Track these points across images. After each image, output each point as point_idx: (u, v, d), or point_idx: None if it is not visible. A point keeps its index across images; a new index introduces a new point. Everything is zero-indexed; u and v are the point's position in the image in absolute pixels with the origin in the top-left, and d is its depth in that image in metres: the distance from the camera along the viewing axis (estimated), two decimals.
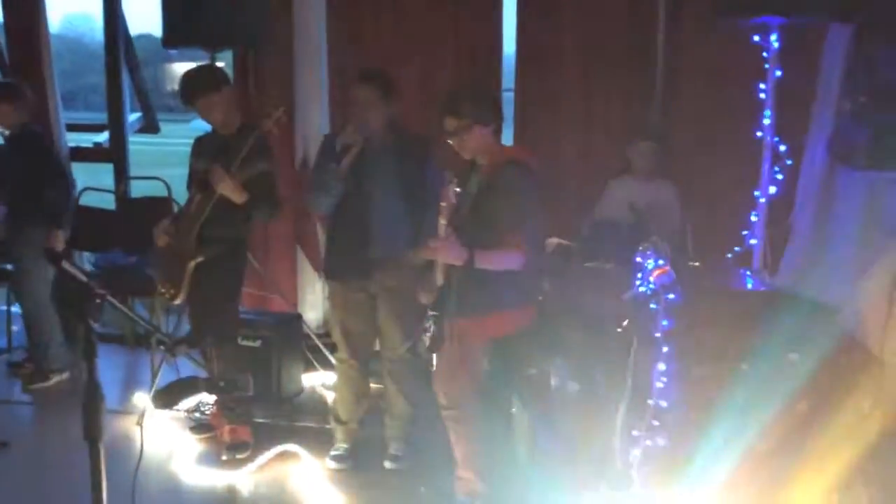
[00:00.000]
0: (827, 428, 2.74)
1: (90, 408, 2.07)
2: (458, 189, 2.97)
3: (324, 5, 4.99)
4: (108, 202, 5.74)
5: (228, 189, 3.60)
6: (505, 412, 3.38)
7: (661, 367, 2.87)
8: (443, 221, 2.93)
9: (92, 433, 2.09)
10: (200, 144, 3.93)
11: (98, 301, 2.05)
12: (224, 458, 3.87)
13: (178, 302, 3.81)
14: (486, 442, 3.26)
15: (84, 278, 2.09)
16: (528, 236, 3.05)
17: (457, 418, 3.23)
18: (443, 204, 2.92)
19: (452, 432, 3.27)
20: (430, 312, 3.15)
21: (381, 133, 3.58)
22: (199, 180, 3.77)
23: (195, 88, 3.71)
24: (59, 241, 4.57)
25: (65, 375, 4.77)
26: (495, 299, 3.06)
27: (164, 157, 9.87)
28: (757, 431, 2.79)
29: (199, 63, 4.26)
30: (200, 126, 4.01)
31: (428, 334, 3.20)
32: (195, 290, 3.76)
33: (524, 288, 3.14)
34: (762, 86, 3.86)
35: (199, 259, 3.69)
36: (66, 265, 2.10)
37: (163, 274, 3.85)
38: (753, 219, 3.94)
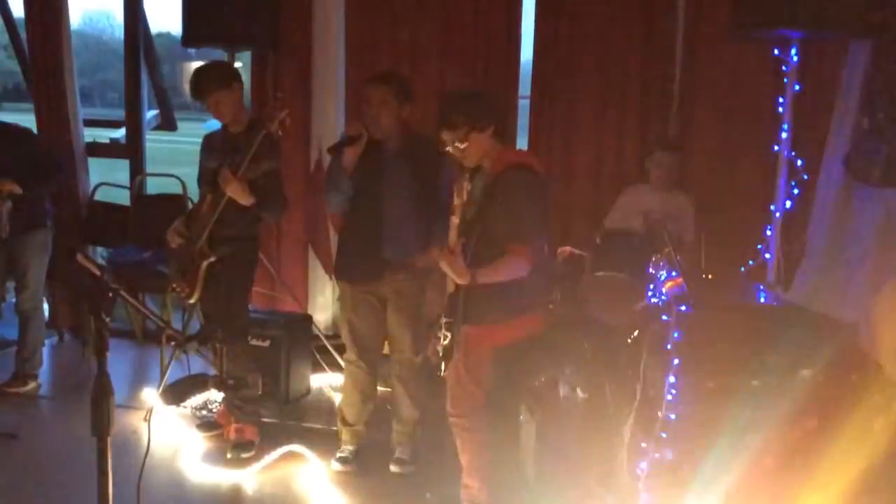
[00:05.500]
0: (836, 446, 2.72)
1: (99, 403, 2.07)
2: (468, 185, 2.94)
3: (343, 8, 5.01)
4: (123, 198, 5.77)
5: (236, 192, 3.62)
6: (512, 421, 3.37)
7: (671, 379, 2.85)
8: (455, 220, 2.92)
9: (100, 428, 2.09)
10: (210, 141, 3.95)
11: (111, 295, 2.06)
12: (229, 456, 3.88)
13: (192, 301, 3.86)
14: (493, 451, 3.25)
15: (98, 272, 2.10)
16: (533, 242, 3.03)
17: (464, 426, 3.21)
18: (455, 202, 2.90)
19: (459, 440, 3.25)
20: (444, 319, 3.13)
21: (395, 135, 3.59)
22: (209, 180, 3.79)
23: (206, 84, 3.73)
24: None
25: (38, 382, 4.71)
26: (505, 308, 3.05)
27: (180, 154, 9.94)
28: (765, 447, 2.77)
29: (211, 60, 4.28)
30: (214, 125, 4.04)
31: (444, 342, 3.19)
32: (208, 289, 3.79)
33: (532, 294, 3.12)
34: (780, 100, 3.84)
35: (212, 259, 3.72)
36: (80, 258, 2.11)
37: (177, 273, 3.88)
38: (768, 233, 3.92)
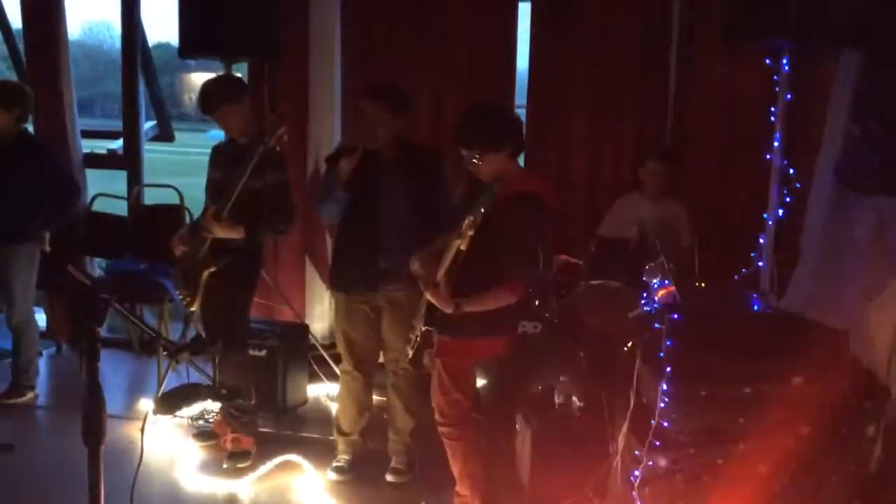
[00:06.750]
0: (828, 452, 2.73)
1: (90, 412, 2.08)
2: (471, 233, 2.81)
3: (339, 18, 5.05)
4: (120, 209, 5.79)
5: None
6: (505, 429, 3.37)
7: (664, 387, 2.85)
8: (448, 258, 2.87)
9: (91, 437, 2.09)
10: (217, 153, 3.98)
11: (102, 305, 2.07)
12: (225, 466, 3.88)
13: (193, 309, 3.88)
14: (485, 459, 3.25)
15: (88, 282, 2.11)
16: (529, 278, 3.03)
17: (452, 435, 3.22)
18: (458, 242, 2.80)
19: (448, 448, 3.25)
20: (423, 327, 3.14)
21: (390, 146, 3.61)
22: (214, 190, 3.81)
23: (214, 99, 3.76)
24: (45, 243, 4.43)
25: (35, 393, 4.69)
26: (477, 326, 3.04)
27: (178, 165, 9.98)
28: (758, 454, 2.78)
29: (218, 74, 4.30)
30: (216, 135, 4.06)
31: (410, 346, 3.20)
32: (209, 298, 3.82)
33: (508, 317, 3.11)
34: (773, 108, 3.86)
35: (212, 269, 3.74)
36: (71, 269, 2.12)
37: (181, 281, 3.90)
38: (761, 241, 3.93)
